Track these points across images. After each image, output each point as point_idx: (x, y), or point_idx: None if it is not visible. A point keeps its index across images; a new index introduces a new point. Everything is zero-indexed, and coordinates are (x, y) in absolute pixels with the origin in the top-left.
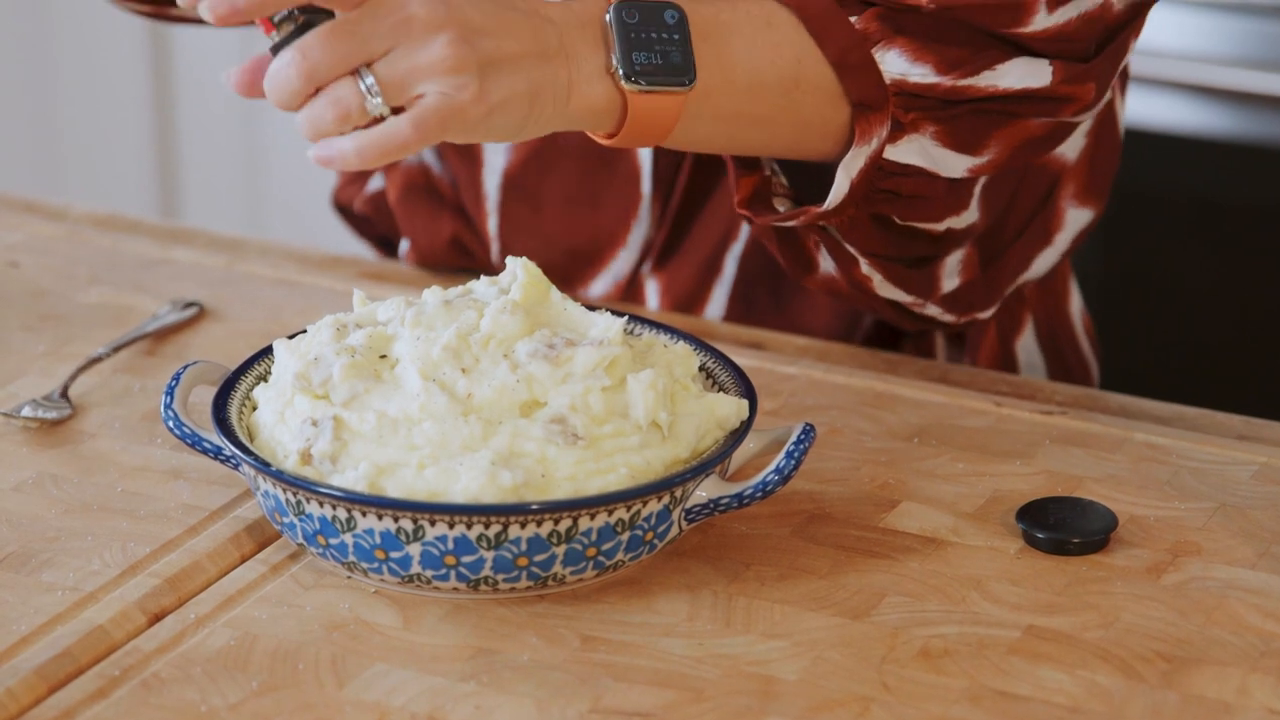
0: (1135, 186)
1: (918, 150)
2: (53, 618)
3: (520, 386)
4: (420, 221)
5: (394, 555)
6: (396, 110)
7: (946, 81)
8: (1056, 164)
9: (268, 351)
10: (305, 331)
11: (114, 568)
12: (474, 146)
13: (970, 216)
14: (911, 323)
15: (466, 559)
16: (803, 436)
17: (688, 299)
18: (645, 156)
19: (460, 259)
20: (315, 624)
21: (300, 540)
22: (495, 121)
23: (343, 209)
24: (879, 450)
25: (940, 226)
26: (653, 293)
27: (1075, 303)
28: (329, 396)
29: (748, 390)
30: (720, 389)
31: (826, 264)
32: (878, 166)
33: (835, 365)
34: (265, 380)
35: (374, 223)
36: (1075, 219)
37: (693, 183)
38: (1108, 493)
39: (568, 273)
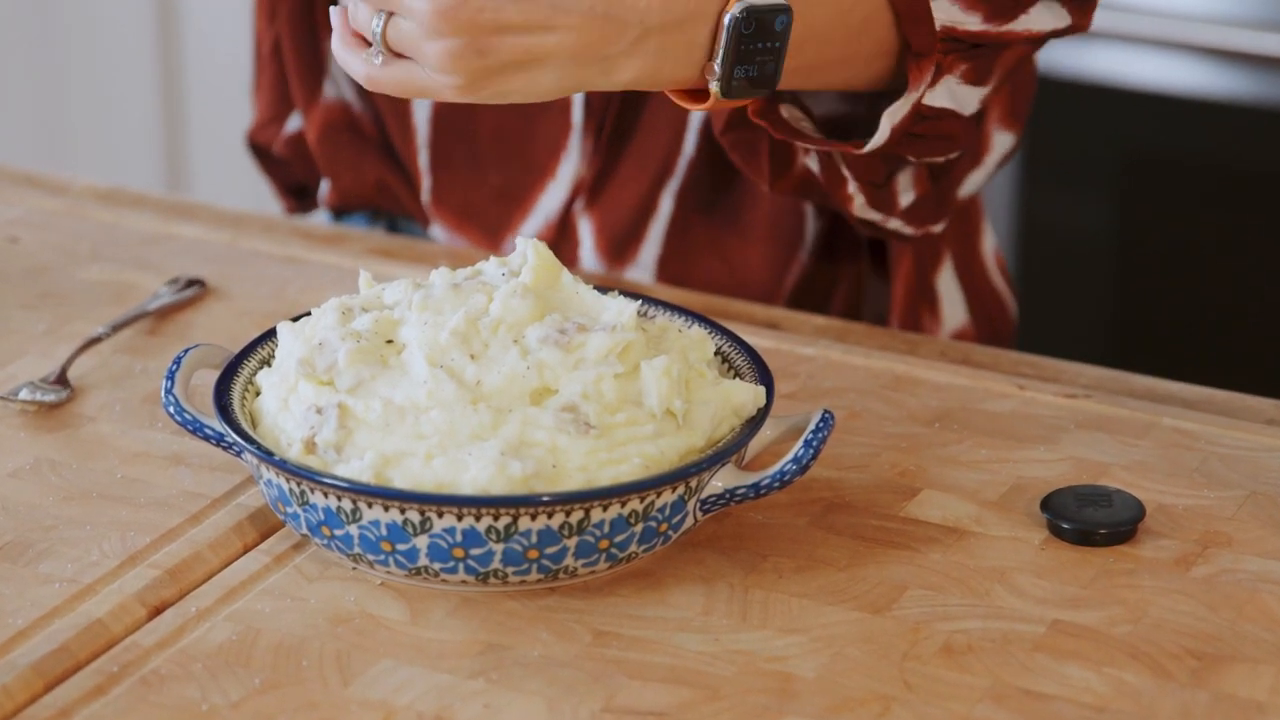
0: (1156, 154)
1: (945, 92)
2: (50, 611)
3: (530, 373)
4: (343, 162)
5: (401, 548)
6: None
7: (993, 29)
8: None
9: (271, 334)
10: (310, 314)
11: (113, 558)
12: None
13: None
14: (873, 233)
15: (475, 552)
16: (821, 424)
17: (623, 238)
18: None
19: (385, 202)
20: (319, 618)
21: (304, 531)
22: (492, 102)
23: (259, 150)
24: (899, 435)
25: (943, 160)
26: (586, 232)
27: (988, 241)
28: (334, 383)
29: (764, 376)
30: (736, 374)
31: (808, 159)
32: (917, 112)
33: (854, 346)
34: (269, 364)
35: (293, 167)
36: (1001, 142)
37: (624, 113)
38: (1134, 480)
39: (498, 214)
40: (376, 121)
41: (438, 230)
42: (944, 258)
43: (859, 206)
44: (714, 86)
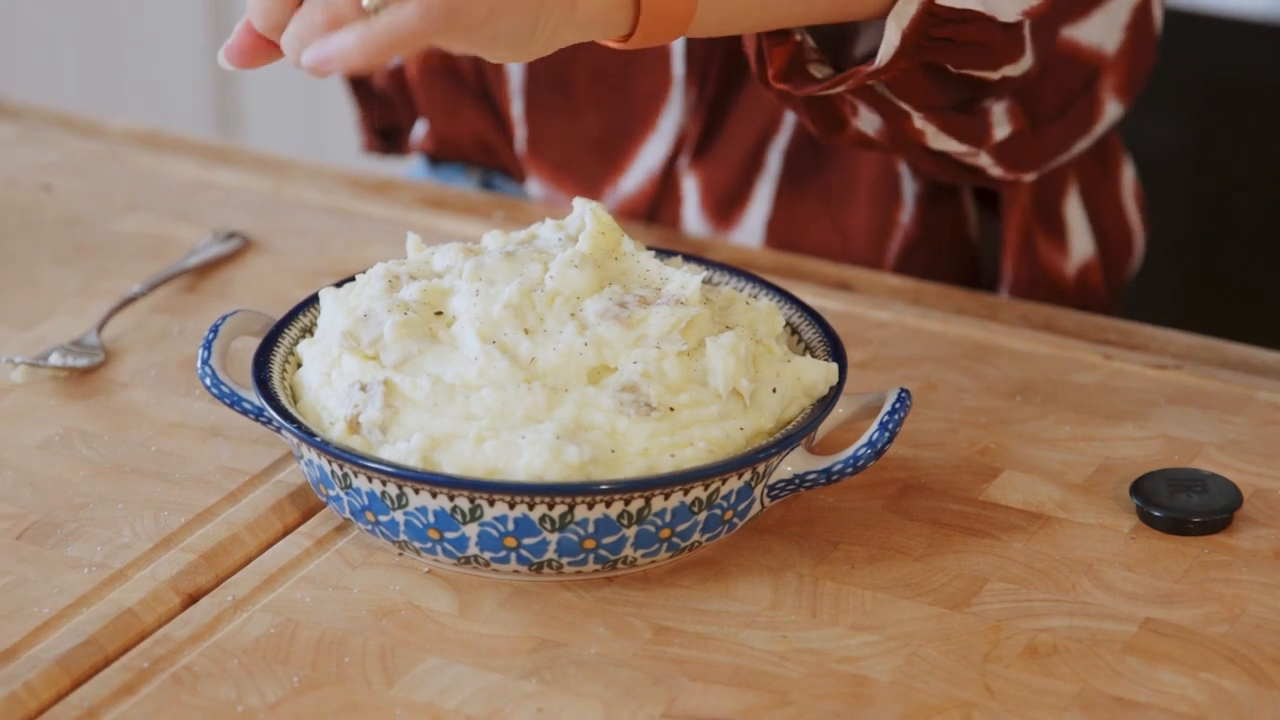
0: (1236, 78)
1: None
2: (78, 599)
3: (588, 350)
4: (441, 104)
5: (449, 535)
6: None
7: None
8: (1095, 57)
9: (314, 300)
10: (354, 279)
11: (145, 540)
12: None
13: (1026, 63)
14: (958, 174)
15: (528, 541)
16: (898, 405)
17: (729, 196)
18: None
19: (479, 154)
20: (363, 609)
21: (347, 514)
22: (500, 24)
23: (356, 80)
24: (978, 410)
25: (996, 74)
26: (690, 189)
27: (1128, 173)
28: (379, 358)
29: (837, 352)
30: (807, 348)
31: (860, 122)
32: (930, 13)
33: (929, 309)
34: (310, 333)
35: (393, 103)
36: (1111, 112)
37: (728, 66)
38: (1229, 461)
39: (597, 166)
40: (475, 66)
41: (534, 185)
42: (1070, 184)
43: (932, 136)
44: None
